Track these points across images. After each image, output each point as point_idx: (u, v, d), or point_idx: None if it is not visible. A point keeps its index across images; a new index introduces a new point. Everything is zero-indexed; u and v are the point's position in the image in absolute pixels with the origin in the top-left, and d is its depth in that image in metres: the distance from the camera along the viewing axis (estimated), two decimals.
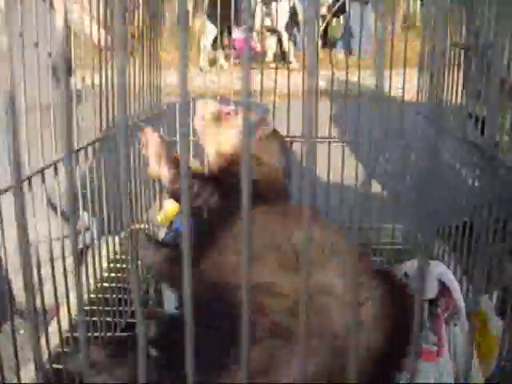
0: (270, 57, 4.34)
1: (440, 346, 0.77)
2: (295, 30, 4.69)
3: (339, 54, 4.73)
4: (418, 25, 5.24)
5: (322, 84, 1.29)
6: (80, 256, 0.80)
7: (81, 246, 0.89)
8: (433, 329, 0.77)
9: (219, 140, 1.00)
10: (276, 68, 1.34)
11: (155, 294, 1.00)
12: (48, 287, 0.71)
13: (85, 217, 1.03)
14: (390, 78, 1.18)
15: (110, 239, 1.03)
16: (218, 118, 1.01)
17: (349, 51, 4.94)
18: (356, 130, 1.16)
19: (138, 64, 1.07)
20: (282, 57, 4.63)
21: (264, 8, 4.24)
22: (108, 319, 0.89)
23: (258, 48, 4.39)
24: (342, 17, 5.30)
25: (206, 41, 4.66)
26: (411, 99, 1.32)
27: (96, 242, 0.88)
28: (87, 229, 0.97)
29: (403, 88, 1.23)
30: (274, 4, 4.31)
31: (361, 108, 1.15)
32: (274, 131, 1.01)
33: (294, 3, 4.71)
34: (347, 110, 1.21)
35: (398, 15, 5.72)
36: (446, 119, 1.08)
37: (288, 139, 1.20)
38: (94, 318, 0.86)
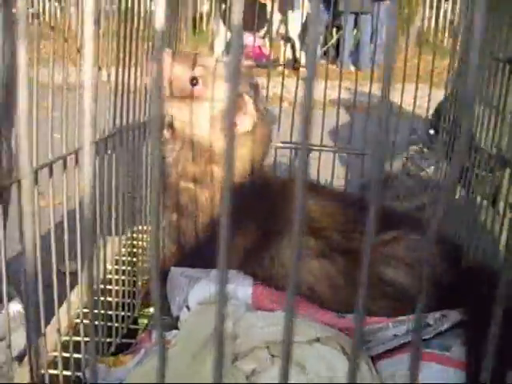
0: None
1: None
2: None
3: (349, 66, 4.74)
4: (430, 41, 5.22)
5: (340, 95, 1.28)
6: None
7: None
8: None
9: (185, 119, 0.89)
10: (283, 74, 1.32)
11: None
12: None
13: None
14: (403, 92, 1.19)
15: (115, 239, 1.00)
16: (182, 88, 0.87)
17: (355, 64, 4.95)
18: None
19: None
20: (293, 65, 4.62)
21: (280, 16, 4.24)
22: (109, 324, 0.87)
23: (268, 54, 4.34)
24: (355, 30, 5.29)
25: (219, 45, 4.65)
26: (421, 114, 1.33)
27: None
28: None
29: (414, 103, 1.24)
30: (289, 13, 4.30)
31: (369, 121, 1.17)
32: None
33: (308, 13, 4.72)
34: (356, 122, 1.22)
35: (412, 30, 5.73)
36: None
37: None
38: (96, 322, 0.83)
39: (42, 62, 0.64)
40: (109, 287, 0.92)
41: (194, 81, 0.87)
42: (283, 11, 4.27)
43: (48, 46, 0.68)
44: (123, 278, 0.97)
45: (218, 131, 0.87)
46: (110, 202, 0.86)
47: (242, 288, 0.86)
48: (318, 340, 0.70)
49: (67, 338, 0.76)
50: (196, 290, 0.86)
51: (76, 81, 0.61)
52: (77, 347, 0.75)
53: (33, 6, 0.92)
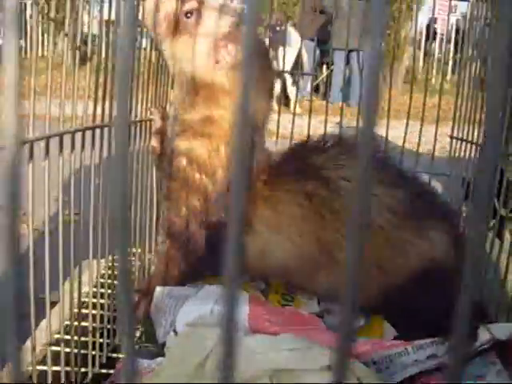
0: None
1: None
2: (300, 75, 4.70)
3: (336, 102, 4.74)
4: (419, 78, 5.30)
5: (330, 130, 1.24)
6: None
7: None
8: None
9: (178, 56, 0.83)
10: (279, 111, 1.26)
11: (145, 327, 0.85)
12: None
13: None
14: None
15: (94, 262, 0.89)
16: (173, 22, 0.81)
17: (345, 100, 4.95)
18: None
19: None
20: (285, 101, 4.61)
21: (271, 51, 4.26)
22: (84, 351, 0.75)
23: None
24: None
25: None
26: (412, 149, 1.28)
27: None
28: None
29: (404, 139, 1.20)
30: (281, 48, 4.32)
31: None
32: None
33: (300, 49, 4.75)
34: None
35: (400, 69, 5.81)
36: None
37: None
38: (67, 350, 0.72)
39: None
40: (85, 311, 0.80)
41: (188, 14, 0.82)
42: (274, 47, 4.28)
43: None
44: (102, 301, 0.85)
45: (217, 64, 0.81)
46: (86, 218, 0.76)
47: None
48: (329, 368, 0.60)
49: (31, 368, 0.65)
50: (185, 311, 0.75)
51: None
52: (42, 377, 0.63)
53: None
